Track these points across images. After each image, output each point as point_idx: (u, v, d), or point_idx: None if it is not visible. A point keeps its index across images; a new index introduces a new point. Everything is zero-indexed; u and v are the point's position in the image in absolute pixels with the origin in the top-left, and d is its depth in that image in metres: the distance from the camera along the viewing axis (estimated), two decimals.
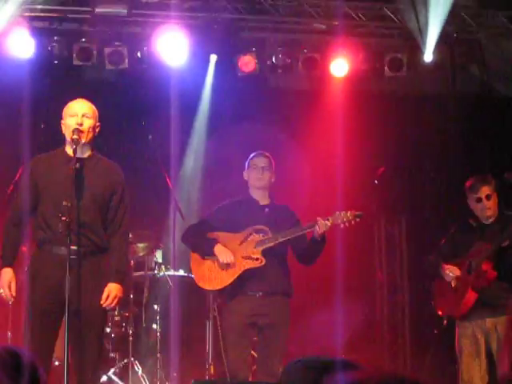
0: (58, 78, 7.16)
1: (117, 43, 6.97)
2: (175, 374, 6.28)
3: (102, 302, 4.43)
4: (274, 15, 7.18)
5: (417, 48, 7.16)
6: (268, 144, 6.24)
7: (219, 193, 6.61)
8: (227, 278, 5.15)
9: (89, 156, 4.58)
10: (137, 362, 6.54)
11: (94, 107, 4.61)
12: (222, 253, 5.14)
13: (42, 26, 6.97)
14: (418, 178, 8.06)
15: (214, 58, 7.39)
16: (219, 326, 5.96)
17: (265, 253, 5.14)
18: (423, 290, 7.17)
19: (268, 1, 7.08)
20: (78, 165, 4.40)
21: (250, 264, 5.14)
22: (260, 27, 7.34)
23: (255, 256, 5.15)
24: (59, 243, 4.35)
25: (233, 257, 5.13)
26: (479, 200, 5.41)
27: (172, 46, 6.98)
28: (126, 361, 6.52)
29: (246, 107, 7.58)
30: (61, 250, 4.34)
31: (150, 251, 6.95)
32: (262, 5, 7.10)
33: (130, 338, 6.54)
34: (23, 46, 6.75)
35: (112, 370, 6.46)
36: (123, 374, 6.51)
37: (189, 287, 6.31)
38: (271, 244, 5.15)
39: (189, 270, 5.91)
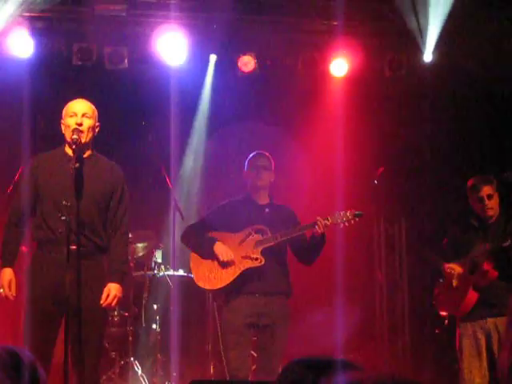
0: (57, 77, 7.15)
1: (117, 43, 6.98)
2: (175, 374, 6.27)
3: (101, 302, 4.43)
4: (274, 15, 7.18)
5: (417, 48, 7.17)
6: (268, 144, 6.24)
7: (219, 193, 6.62)
8: (227, 278, 5.14)
9: (88, 156, 4.58)
10: (136, 361, 6.54)
11: (93, 107, 4.61)
12: (222, 251, 5.13)
13: (42, 25, 6.97)
14: (418, 178, 8.06)
15: (213, 57, 7.39)
16: (219, 325, 5.96)
17: (264, 252, 5.14)
18: (423, 290, 7.18)
19: (268, 0, 7.08)
20: (77, 165, 4.40)
21: (249, 264, 5.13)
22: (260, 27, 7.34)
23: (255, 256, 5.14)
24: (59, 243, 4.36)
25: (233, 255, 5.13)
26: (481, 200, 5.40)
27: (172, 46, 6.98)
28: (126, 361, 6.52)
29: (246, 107, 7.58)
30: (61, 250, 4.34)
31: (150, 251, 6.95)
32: (262, 5, 7.10)
33: (130, 338, 6.55)
34: (23, 46, 6.76)
35: (112, 370, 6.47)
36: (123, 373, 6.51)
37: (188, 287, 6.30)
38: (271, 244, 5.14)
39: (188, 270, 5.91)
